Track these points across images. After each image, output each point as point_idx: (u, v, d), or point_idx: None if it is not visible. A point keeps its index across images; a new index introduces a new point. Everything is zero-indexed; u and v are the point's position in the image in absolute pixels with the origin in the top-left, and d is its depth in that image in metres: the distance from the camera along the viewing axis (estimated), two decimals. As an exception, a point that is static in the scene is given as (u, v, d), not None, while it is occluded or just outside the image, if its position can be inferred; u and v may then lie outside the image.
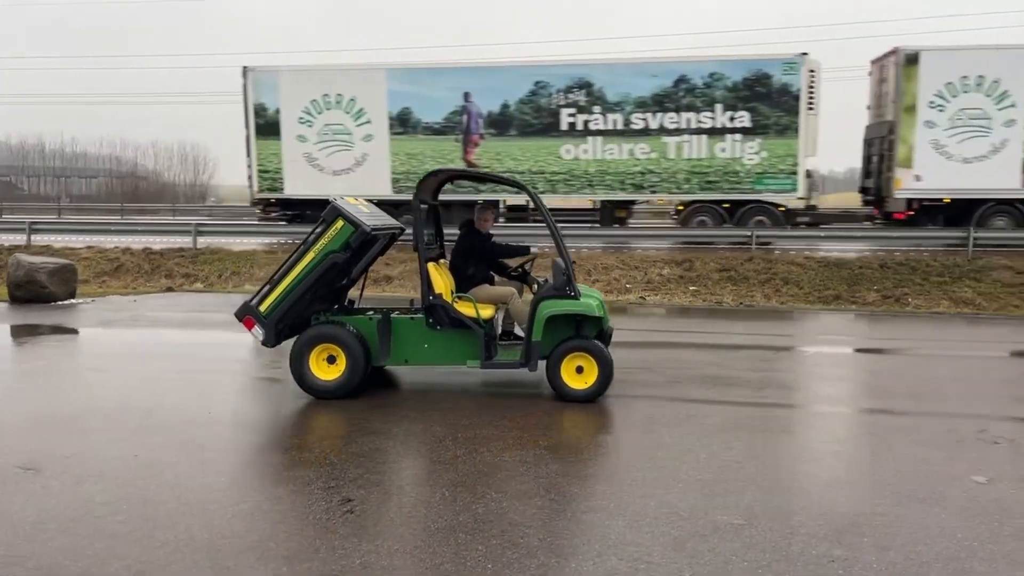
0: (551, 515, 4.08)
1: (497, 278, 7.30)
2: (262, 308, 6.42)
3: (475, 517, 4.03)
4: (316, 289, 6.46)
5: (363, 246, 6.52)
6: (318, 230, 6.36)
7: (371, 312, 6.91)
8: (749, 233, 16.29)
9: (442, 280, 6.70)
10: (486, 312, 6.65)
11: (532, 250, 7.80)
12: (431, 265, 6.64)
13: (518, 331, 7.06)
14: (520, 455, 5.02)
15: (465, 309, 6.54)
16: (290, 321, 6.54)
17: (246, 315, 6.48)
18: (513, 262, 7.38)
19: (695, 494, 4.37)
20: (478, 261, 7.10)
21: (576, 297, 6.35)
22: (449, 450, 5.13)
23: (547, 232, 6.93)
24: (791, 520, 4.04)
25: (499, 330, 7.13)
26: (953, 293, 12.90)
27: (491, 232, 7.36)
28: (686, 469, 4.80)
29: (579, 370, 6.34)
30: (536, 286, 7.05)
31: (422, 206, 6.80)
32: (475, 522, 3.97)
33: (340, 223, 6.30)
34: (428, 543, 3.73)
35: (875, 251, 15.81)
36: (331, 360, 6.45)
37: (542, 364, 6.42)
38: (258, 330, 6.45)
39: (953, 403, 6.51)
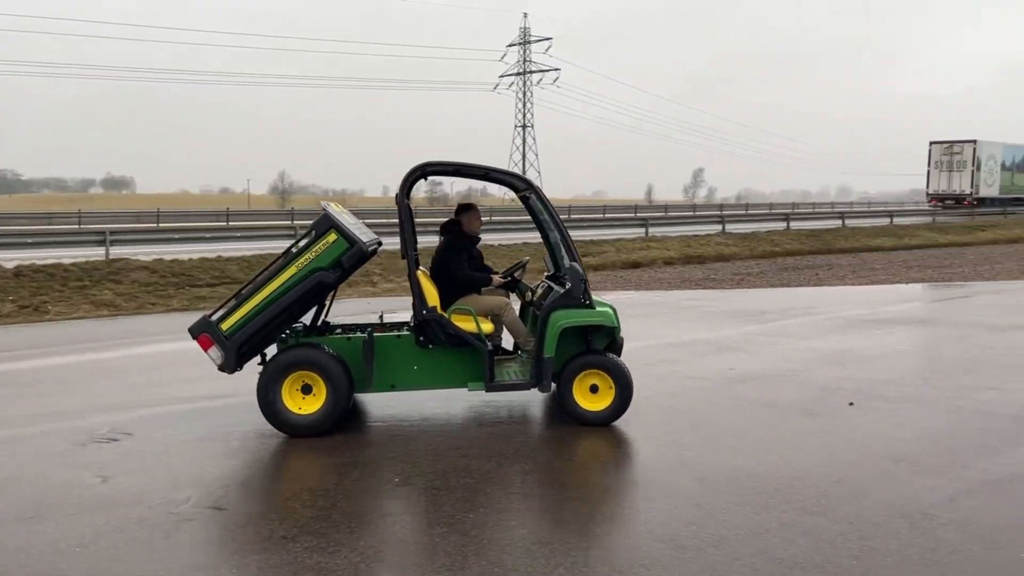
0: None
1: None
2: (224, 327, 5.46)
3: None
4: (293, 310, 5.60)
5: (355, 264, 5.68)
6: (304, 242, 5.49)
7: (339, 330, 6.17)
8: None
9: (434, 291, 5.90)
10: (487, 327, 5.99)
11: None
12: (419, 273, 5.79)
13: (508, 345, 6.45)
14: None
15: (465, 324, 5.79)
16: (255, 343, 5.60)
17: (203, 332, 5.47)
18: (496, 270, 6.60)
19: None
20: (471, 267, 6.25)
21: (591, 305, 5.70)
22: None
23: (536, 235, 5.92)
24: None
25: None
26: (94, 297, 13.44)
27: (480, 236, 6.58)
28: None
29: (593, 389, 5.73)
30: (530, 293, 6.49)
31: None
32: None
33: (333, 236, 5.43)
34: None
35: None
36: (307, 390, 5.52)
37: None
38: (215, 352, 5.49)
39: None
